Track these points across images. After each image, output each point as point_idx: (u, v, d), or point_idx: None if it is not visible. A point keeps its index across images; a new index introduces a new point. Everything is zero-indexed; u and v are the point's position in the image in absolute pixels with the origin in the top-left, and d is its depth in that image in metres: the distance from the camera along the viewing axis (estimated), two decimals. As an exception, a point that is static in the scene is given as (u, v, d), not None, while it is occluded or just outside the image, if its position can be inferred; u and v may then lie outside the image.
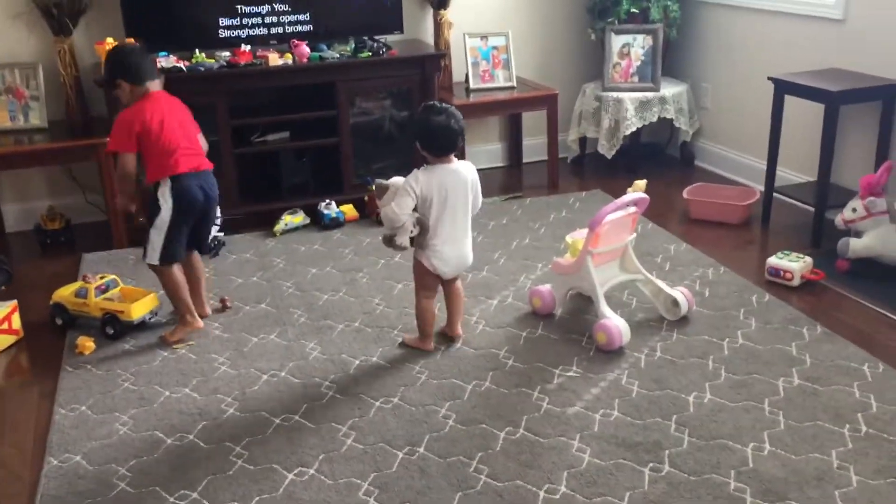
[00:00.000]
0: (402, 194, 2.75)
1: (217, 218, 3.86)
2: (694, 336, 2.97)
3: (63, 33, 3.98)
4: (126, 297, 3.18)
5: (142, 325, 3.14)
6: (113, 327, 3.08)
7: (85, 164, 4.04)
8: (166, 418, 2.59)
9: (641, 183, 3.05)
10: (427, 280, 2.90)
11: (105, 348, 3.03)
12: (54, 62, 4.02)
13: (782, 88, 3.79)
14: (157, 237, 3.00)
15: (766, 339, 2.92)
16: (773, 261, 3.36)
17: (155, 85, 3.03)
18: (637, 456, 2.33)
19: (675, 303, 3.06)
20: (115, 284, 3.23)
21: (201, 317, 3.16)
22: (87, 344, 3.00)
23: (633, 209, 2.99)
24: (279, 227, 3.99)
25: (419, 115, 2.84)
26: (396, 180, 2.81)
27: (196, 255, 3.21)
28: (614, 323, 2.87)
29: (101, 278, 3.21)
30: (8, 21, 4.01)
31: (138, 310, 3.10)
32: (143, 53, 3.06)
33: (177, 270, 3.06)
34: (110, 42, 3.76)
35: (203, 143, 3.16)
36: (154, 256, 3.01)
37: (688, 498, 2.17)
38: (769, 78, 3.84)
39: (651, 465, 2.29)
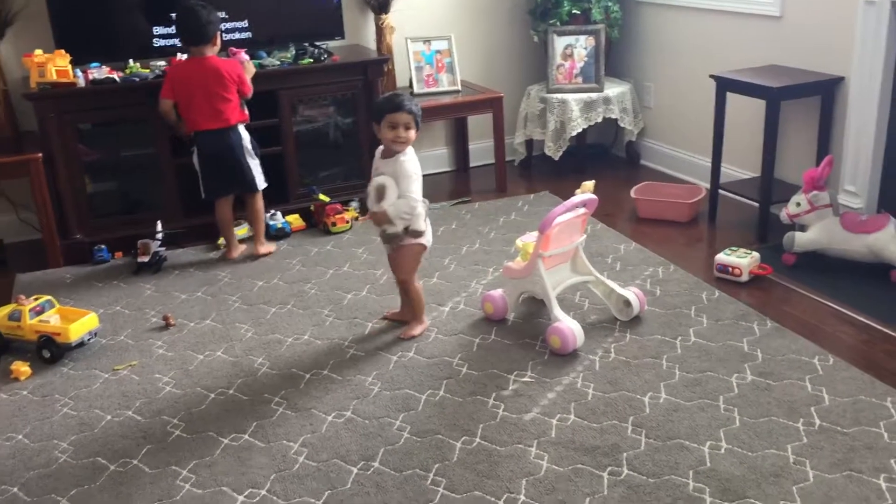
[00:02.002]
0: (413, 179, 2.83)
1: (158, 233, 3.76)
2: (647, 336, 2.96)
3: (-11, 45, 3.83)
4: (63, 317, 3.06)
5: (81, 347, 3.01)
6: (49, 350, 2.95)
7: (16, 180, 3.88)
8: (109, 443, 2.48)
9: (590, 184, 3.03)
10: (419, 260, 2.99)
11: (42, 373, 2.90)
12: (-20, 76, 3.86)
13: (724, 86, 3.83)
14: (200, 177, 3.72)
15: (718, 336, 2.93)
16: (721, 257, 3.38)
17: (201, 51, 3.55)
18: (595, 460, 2.30)
19: (628, 303, 3.05)
20: (52, 305, 3.10)
21: (254, 254, 3.77)
22: (21, 369, 2.87)
23: (582, 210, 2.98)
24: (223, 240, 3.89)
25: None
26: (386, 178, 2.81)
27: (249, 196, 3.76)
28: (567, 326, 2.84)
29: (36, 299, 3.07)
30: (-71, 34, 3.84)
31: (76, 331, 2.97)
32: (191, 20, 3.55)
33: (219, 207, 3.71)
34: (39, 53, 3.62)
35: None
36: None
37: (647, 501, 2.14)
38: (711, 76, 3.87)
39: (609, 468, 2.27)
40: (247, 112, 3.73)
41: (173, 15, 3.88)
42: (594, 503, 2.14)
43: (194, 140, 3.70)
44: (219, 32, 3.62)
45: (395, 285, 3.11)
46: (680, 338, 2.93)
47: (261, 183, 3.76)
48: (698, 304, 3.16)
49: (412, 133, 2.84)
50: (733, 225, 3.95)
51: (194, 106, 3.60)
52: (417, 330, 3.03)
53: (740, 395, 2.57)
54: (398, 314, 3.15)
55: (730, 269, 3.34)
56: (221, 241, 3.89)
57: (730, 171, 4.12)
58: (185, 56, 3.87)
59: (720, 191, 3.99)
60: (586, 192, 3.00)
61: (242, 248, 3.86)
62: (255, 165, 3.74)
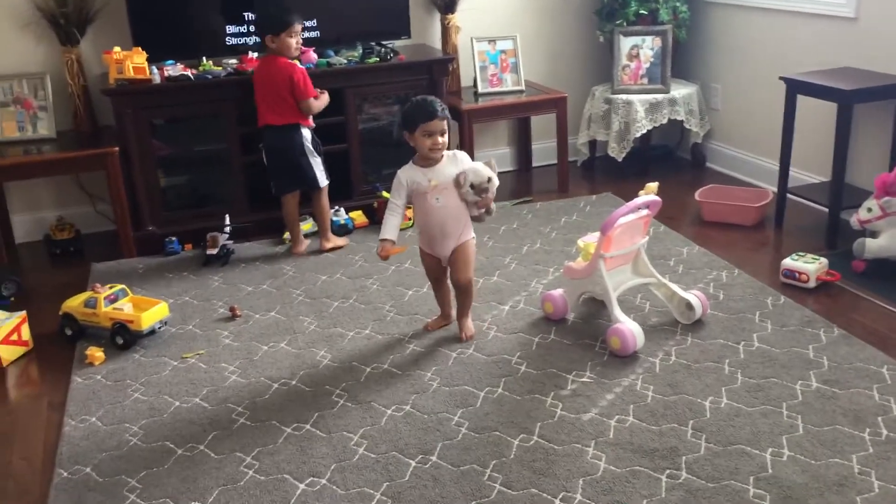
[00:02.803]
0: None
1: (226, 226, 3.86)
2: (709, 340, 2.93)
3: (70, 43, 3.98)
4: (136, 306, 3.17)
5: (152, 335, 3.12)
6: (122, 337, 3.06)
7: (94, 173, 4.03)
8: (177, 429, 2.57)
9: (653, 185, 3.01)
10: None
11: (115, 359, 3.01)
12: (62, 72, 4.02)
13: (795, 88, 3.75)
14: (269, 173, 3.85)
15: (783, 342, 2.88)
16: (788, 262, 3.32)
17: (274, 47, 3.66)
18: (653, 462, 2.29)
19: (690, 306, 3.02)
20: (125, 294, 3.21)
21: (321, 249, 3.87)
22: (96, 354, 2.98)
23: (645, 212, 2.96)
24: (288, 234, 3.97)
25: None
26: (478, 167, 2.86)
27: (313, 193, 3.84)
28: (628, 327, 2.83)
29: (111, 288, 3.19)
30: (16, 32, 4.01)
31: (148, 319, 3.08)
32: (267, 17, 3.74)
33: (285, 202, 3.83)
34: (117, 51, 3.75)
35: (314, 104, 3.74)
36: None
37: (706, 505, 2.13)
38: (781, 78, 3.79)
39: (668, 471, 2.26)
40: (310, 116, 3.79)
41: (246, 14, 4.00)
42: (651, 505, 2.14)
43: (262, 136, 3.79)
44: (286, 32, 3.64)
45: (434, 290, 3.10)
46: (743, 343, 2.89)
47: (322, 180, 3.83)
48: (763, 310, 3.11)
49: (447, 138, 2.84)
50: (801, 230, 3.87)
51: (260, 102, 3.73)
52: (471, 327, 3.03)
53: (804, 403, 2.53)
54: (441, 320, 3.12)
55: (797, 274, 3.28)
56: (286, 235, 3.97)
57: (798, 175, 4.03)
58: (256, 54, 3.99)
59: (788, 195, 3.91)
60: (650, 193, 2.98)
61: (307, 242, 3.93)
62: (316, 163, 3.80)
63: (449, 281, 3.02)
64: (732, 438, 2.38)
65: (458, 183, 2.84)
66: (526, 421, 2.51)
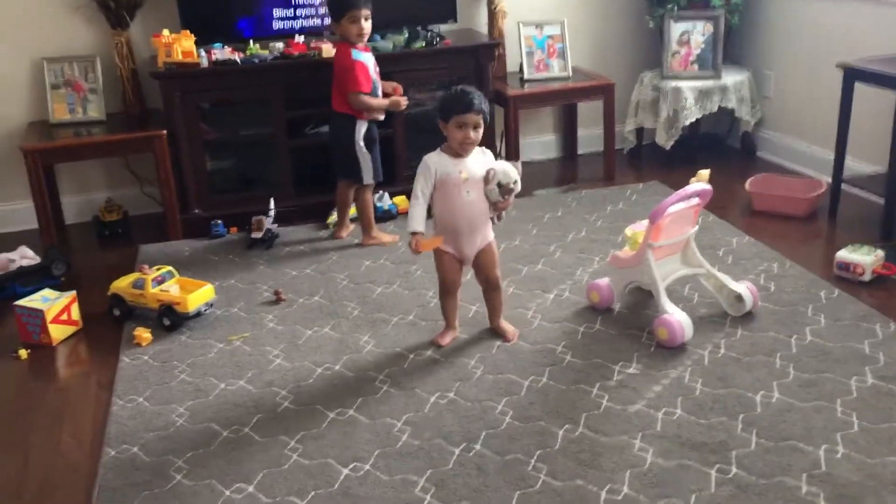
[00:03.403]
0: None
1: (270, 210, 3.87)
2: (760, 333, 2.86)
3: (120, 26, 4.01)
4: (182, 288, 3.19)
5: (197, 317, 3.14)
6: (169, 318, 3.09)
7: (142, 155, 4.07)
8: (222, 411, 2.59)
9: (705, 173, 2.94)
10: None
11: (162, 340, 3.04)
12: (111, 55, 4.06)
13: (852, 75, 3.63)
14: None
15: (837, 337, 2.80)
16: (842, 255, 3.23)
17: (338, 34, 3.66)
18: (702, 457, 2.25)
19: (740, 298, 2.96)
20: (171, 276, 3.24)
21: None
22: (144, 335, 3.01)
23: (695, 201, 2.90)
24: (332, 218, 3.97)
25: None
26: (503, 167, 2.74)
27: (357, 188, 3.76)
28: (676, 318, 2.78)
29: (158, 270, 3.22)
30: (67, 15, 4.06)
31: (194, 301, 3.10)
32: (329, 3, 3.72)
33: (339, 186, 3.81)
34: (166, 34, 3.77)
35: (364, 99, 3.64)
36: None
37: (756, 502, 2.08)
38: (839, 65, 3.68)
39: (717, 466, 2.21)
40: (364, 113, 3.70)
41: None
42: (700, 500, 2.09)
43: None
44: (346, 18, 3.54)
45: (445, 298, 2.92)
46: (795, 336, 2.82)
47: (366, 178, 3.72)
48: (816, 303, 3.04)
49: (480, 132, 2.72)
50: (856, 221, 3.77)
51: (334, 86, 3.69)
52: (510, 327, 2.93)
53: (859, 399, 2.46)
54: (453, 333, 2.94)
55: (851, 267, 3.19)
56: (330, 219, 3.97)
57: (854, 165, 3.92)
58: (302, 38, 3.98)
59: (843, 185, 3.81)
60: (701, 181, 2.91)
61: (351, 228, 3.93)
62: (364, 159, 3.69)
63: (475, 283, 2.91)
64: (784, 434, 2.32)
65: (486, 179, 2.71)
66: (571, 411, 2.48)
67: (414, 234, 2.73)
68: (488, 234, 2.83)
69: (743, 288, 2.95)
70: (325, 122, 4.14)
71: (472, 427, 2.43)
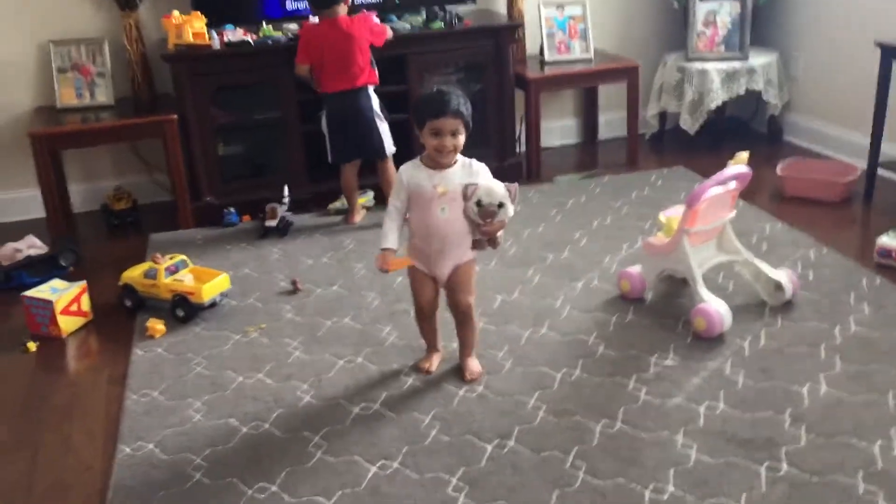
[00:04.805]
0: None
1: (285, 197, 3.75)
2: (801, 322, 2.73)
3: (129, 8, 3.88)
4: (197, 278, 3.07)
5: (212, 308, 3.02)
6: (183, 309, 2.97)
7: (152, 141, 3.94)
8: (240, 405, 2.47)
9: (744, 155, 2.80)
10: None
11: (176, 331, 2.92)
12: (120, 38, 3.93)
13: (891, 54, 3.49)
14: (327, 141, 3.69)
15: (883, 326, 2.67)
16: (884, 241, 3.10)
17: (333, 11, 3.50)
18: (750, 454, 2.13)
19: (779, 286, 2.83)
20: (185, 265, 3.12)
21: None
22: (157, 327, 2.90)
23: (733, 184, 2.76)
24: (335, 205, 3.88)
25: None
26: (493, 186, 2.34)
27: (379, 163, 3.71)
28: (714, 308, 2.65)
29: (171, 259, 3.10)
30: (74, -3, 3.93)
31: (209, 291, 2.98)
32: None
33: (344, 171, 3.72)
34: (176, 15, 3.64)
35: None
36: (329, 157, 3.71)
37: (813, 501, 1.95)
38: (878, 43, 3.53)
39: (767, 463, 2.09)
40: (376, 73, 3.65)
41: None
42: (752, 500, 1.97)
43: (323, 103, 3.66)
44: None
45: (421, 320, 2.60)
46: (839, 326, 2.69)
47: (389, 148, 3.69)
48: (858, 291, 2.91)
49: (461, 139, 2.35)
50: (893, 207, 3.63)
51: (326, 68, 3.56)
52: (476, 365, 2.57)
53: (913, 392, 2.34)
54: (437, 355, 2.63)
55: (894, 254, 3.06)
56: (336, 204, 3.88)
57: (888, 149, 3.78)
58: (316, 19, 3.84)
59: (879, 169, 3.67)
60: (739, 164, 2.78)
61: (363, 213, 3.82)
62: (384, 129, 3.66)
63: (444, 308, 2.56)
64: (835, 429, 2.20)
65: (464, 195, 2.33)
66: (608, 405, 2.36)
67: (385, 250, 2.44)
68: (464, 255, 2.45)
69: (783, 276, 2.83)
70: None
71: (505, 422, 2.31)
